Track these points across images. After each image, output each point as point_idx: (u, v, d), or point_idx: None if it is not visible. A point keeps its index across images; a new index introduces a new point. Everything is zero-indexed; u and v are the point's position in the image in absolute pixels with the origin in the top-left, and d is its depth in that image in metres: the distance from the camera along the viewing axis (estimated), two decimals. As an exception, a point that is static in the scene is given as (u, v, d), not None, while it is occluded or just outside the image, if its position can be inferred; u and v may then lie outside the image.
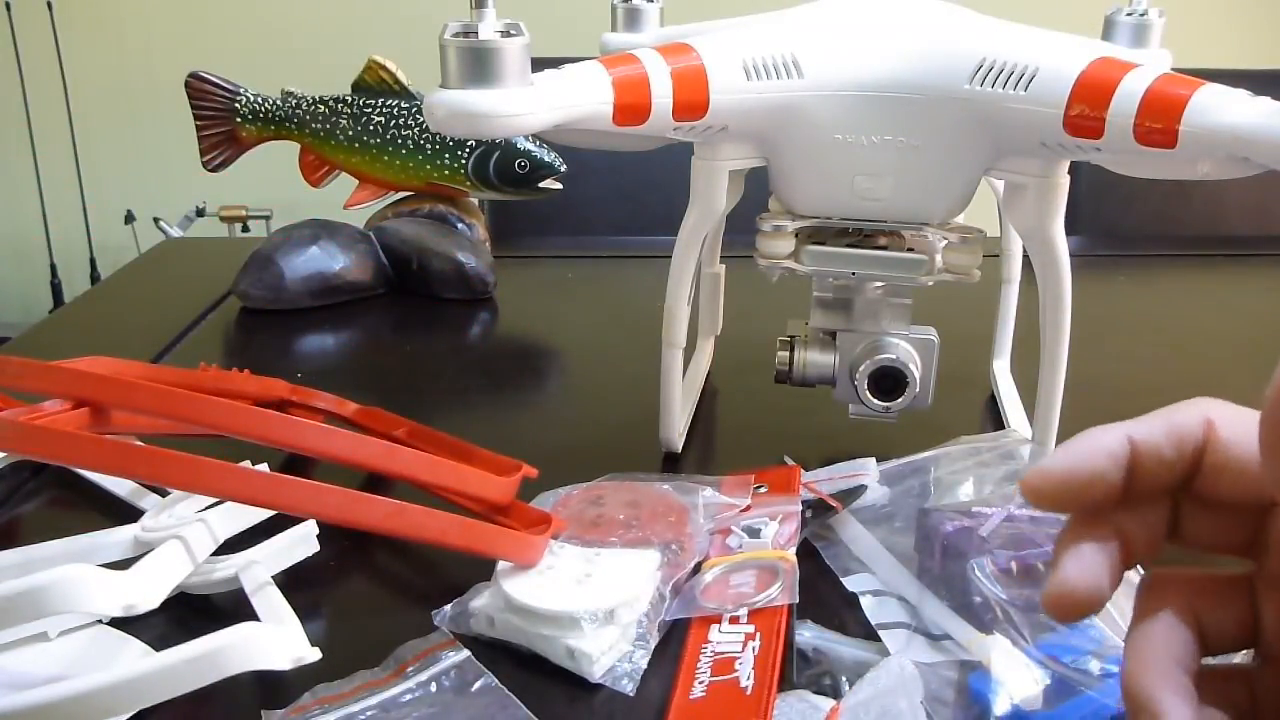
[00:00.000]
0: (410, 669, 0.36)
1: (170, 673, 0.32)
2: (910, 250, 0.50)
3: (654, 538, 0.43)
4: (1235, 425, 0.25)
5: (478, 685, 0.35)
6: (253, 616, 0.38)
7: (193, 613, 0.41)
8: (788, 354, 0.53)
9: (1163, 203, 1.21)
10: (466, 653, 0.37)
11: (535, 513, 0.44)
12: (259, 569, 0.41)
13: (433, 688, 0.35)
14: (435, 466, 0.44)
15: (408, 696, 0.35)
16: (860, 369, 0.50)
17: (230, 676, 0.33)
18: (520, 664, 0.38)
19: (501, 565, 0.41)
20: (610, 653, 0.38)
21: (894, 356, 0.50)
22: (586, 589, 0.39)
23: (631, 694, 0.36)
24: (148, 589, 0.37)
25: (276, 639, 0.35)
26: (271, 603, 0.39)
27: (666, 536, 0.43)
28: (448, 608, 0.40)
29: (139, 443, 0.39)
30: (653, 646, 0.38)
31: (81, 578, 0.34)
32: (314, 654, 0.36)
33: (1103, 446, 0.26)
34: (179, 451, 0.36)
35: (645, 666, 0.37)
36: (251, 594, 0.40)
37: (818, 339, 0.52)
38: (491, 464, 0.49)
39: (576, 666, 0.37)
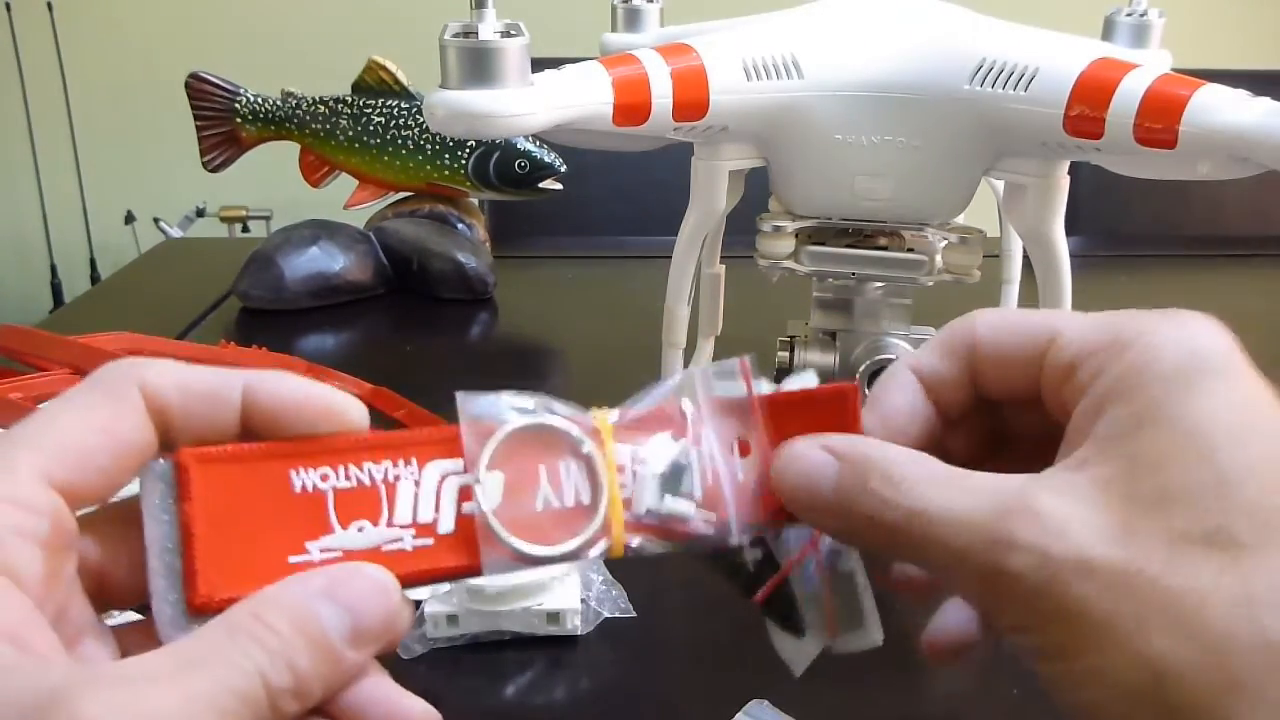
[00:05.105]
0: None
1: None
2: (910, 250, 0.50)
3: None
4: (997, 324, 0.25)
5: None
6: None
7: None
8: (788, 354, 0.52)
9: (1163, 203, 1.21)
10: None
11: None
12: None
13: None
14: None
15: None
16: (860, 369, 0.50)
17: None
18: (498, 662, 0.38)
19: None
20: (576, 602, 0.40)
21: (894, 356, 0.50)
22: None
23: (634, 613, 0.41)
24: None
25: None
26: None
27: None
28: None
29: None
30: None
31: None
32: None
33: (905, 406, 0.25)
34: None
35: (616, 591, 0.41)
36: None
37: (818, 339, 0.52)
38: None
39: (560, 628, 0.39)
